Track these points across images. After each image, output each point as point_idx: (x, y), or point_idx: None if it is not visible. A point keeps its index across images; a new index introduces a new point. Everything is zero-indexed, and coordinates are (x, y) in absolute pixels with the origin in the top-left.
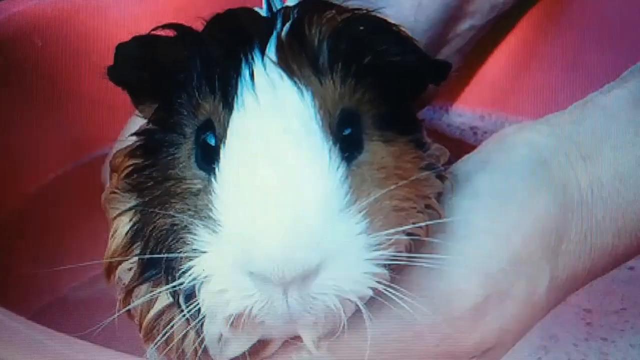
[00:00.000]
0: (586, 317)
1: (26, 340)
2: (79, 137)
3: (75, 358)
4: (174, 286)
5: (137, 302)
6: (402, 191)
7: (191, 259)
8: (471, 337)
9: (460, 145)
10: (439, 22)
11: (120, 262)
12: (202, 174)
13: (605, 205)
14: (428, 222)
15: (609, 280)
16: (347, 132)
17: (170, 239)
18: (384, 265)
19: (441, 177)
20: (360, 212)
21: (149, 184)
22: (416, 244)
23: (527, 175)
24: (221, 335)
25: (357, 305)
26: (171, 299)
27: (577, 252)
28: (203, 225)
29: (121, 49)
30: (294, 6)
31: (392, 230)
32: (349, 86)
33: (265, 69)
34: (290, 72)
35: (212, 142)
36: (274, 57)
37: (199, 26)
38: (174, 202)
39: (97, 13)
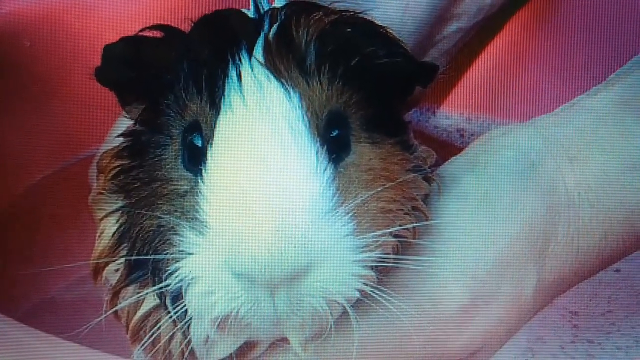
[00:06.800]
0: (573, 319)
1: (13, 341)
2: (66, 137)
3: (62, 359)
4: (161, 287)
5: (124, 303)
6: (389, 193)
7: (178, 261)
8: (458, 339)
9: (447, 148)
10: (426, 24)
11: (107, 263)
12: (189, 175)
13: (592, 207)
14: (415, 224)
15: (595, 282)
16: (334, 133)
17: (157, 240)
18: (371, 267)
19: (428, 179)
20: (347, 213)
21: (135, 185)
22: (403, 246)
23: (513, 177)
24: (208, 336)
25: (344, 307)
26: (158, 301)
27: (564, 254)
28: (190, 226)
29: (108, 49)
30: (282, 8)
31: (379, 232)
32: (336, 88)
33: (252, 70)
34: (277, 74)
35: (199, 143)
36: (261, 59)
37: (186, 27)
38: (161, 204)
39: (85, 13)
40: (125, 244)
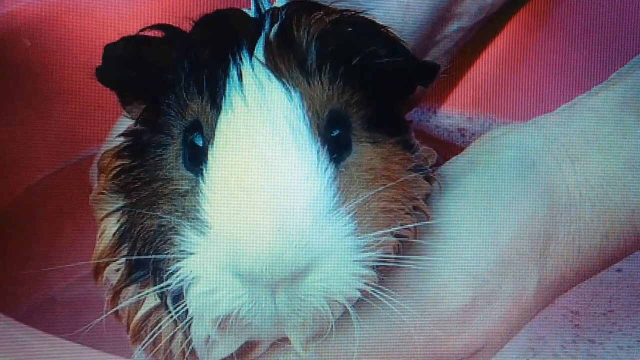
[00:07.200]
0: (574, 319)
1: (13, 340)
2: (67, 137)
3: (63, 359)
4: (162, 287)
5: (124, 303)
6: (390, 192)
7: (179, 260)
8: (459, 338)
9: (448, 147)
10: (427, 24)
11: (108, 263)
12: (190, 175)
13: (593, 207)
14: (416, 224)
15: (597, 282)
16: (335, 133)
17: (157, 240)
18: (372, 267)
19: (429, 179)
20: (348, 213)
21: (136, 185)
22: (404, 246)
23: (514, 177)
24: (209, 336)
25: (345, 307)
26: (159, 300)
27: (565, 254)
28: (191, 226)
29: (109, 49)
30: (282, 7)
31: (380, 232)
32: (337, 87)
33: (253, 69)
34: (278, 73)
35: (200, 142)
36: (262, 58)
37: (187, 27)
38: (162, 203)
39: (86, 13)
40: (126, 244)
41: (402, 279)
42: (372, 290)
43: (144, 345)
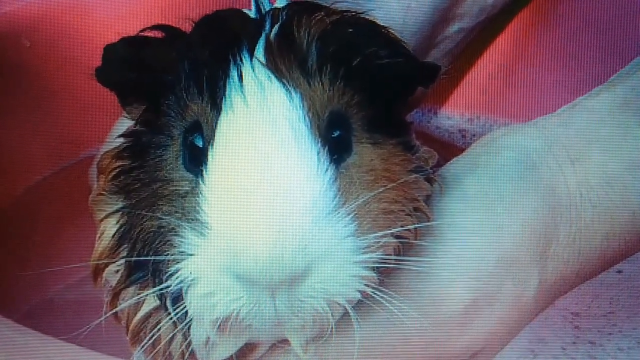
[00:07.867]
0: (574, 320)
1: (12, 342)
2: (66, 138)
3: None
4: (161, 289)
5: (124, 304)
6: (391, 194)
7: (178, 262)
8: (459, 340)
9: (449, 148)
10: (428, 25)
11: (107, 265)
12: (190, 176)
13: (593, 208)
14: (416, 225)
15: (597, 283)
16: (335, 134)
17: (157, 241)
18: (373, 268)
19: (430, 180)
20: (348, 214)
21: (136, 186)
22: (404, 247)
23: (515, 178)
24: (208, 338)
25: (345, 309)
26: (158, 302)
27: (565, 255)
28: (190, 227)
29: (109, 49)
30: (283, 8)
31: (380, 233)
32: (337, 88)
33: (253, 70)
34: (278, 74)
35: (200, 143)
36: (262, 59)
37: (187, 27)
38: (162, 204)
39: (85, 13)
40: (126, 245)
41: (402, 280)
42: (372, 292)
43: (143, 346)
